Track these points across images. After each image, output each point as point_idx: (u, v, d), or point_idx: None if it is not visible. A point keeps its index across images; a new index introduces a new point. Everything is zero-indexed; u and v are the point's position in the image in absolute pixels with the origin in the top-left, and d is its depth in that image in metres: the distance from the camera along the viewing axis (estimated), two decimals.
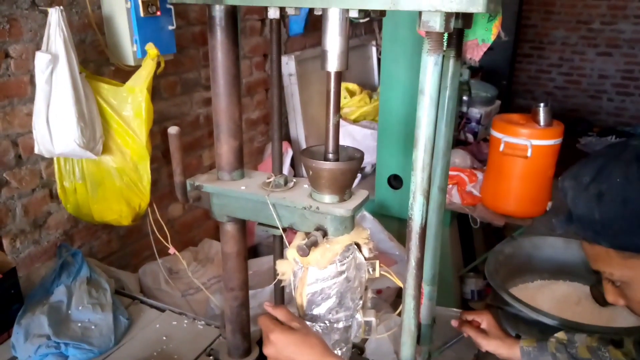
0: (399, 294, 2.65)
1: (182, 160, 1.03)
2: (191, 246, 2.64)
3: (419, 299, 0.90)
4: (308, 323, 1.07)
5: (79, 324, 1.66)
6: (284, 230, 1.07)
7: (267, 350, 0.98)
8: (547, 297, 1.72)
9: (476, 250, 3.44)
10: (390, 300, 2.63)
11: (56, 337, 1.58)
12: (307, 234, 1.01)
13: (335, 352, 1.10)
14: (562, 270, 1.82)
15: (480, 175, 2.89)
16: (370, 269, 1.09)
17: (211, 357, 1.33)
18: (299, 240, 1.02)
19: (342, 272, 1.03)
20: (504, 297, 1.46)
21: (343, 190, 0.99)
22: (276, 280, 1.10)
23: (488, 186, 2.79)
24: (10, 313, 1.66)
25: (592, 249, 0.88)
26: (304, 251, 0.95)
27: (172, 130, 1.00)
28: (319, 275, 1.02)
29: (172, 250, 1.70)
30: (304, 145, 3.17)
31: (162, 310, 1.83)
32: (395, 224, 2.90)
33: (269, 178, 1.07)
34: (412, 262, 0.86)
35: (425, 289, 1.13)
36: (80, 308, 1.70)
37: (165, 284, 2.28)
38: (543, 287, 1.80)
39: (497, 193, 2.71)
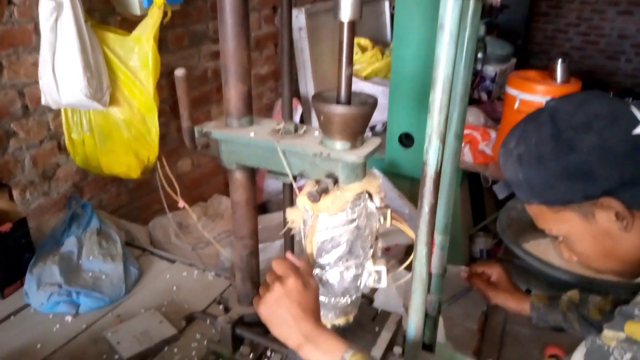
0: (407, 251, 2.65)
1: (189, 105, 1.00)
2: (201, 202, 2.64)
3: (431, 247, 0.89)
4: (317, 271, 1.06)
5: (90, 274, 1.67)
6: (294, 177, 1.04)
7: (268, 295, 0.93)
8: (558, 258, 1.70)
9: (486, 210, 3.42)
10: (399, 257, 2.64)
11: (67, 286, 1.60)
12: (318, 182, 0.98)
13: (345, 299, 1.09)
14: None
15: (493, 134, 2.85)
16: (382, 218, 1.07)
17: (221, 305, 1.34)
18: (310, 187, 1.00)
19: (352, 220, 1.01)
20: (515, 251, 1.45)
21: (355, 136, 0.96)
22: (286, 228, 1.09)
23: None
24: (22, 262, 1.67)
25: (530, 209, 0.94)
26: (315, 198, 0.93)
27: (179, 72, 0.97)
28: (329, 223, 1.01)
29: (181, 204, 1.69)
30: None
31: (172, 262, 1.84)
32: (406, 183, 2.88)
33: (278, 125, 1.05)
34: (425, 208, 0.84)
35: (437, 238, 1.11)
36: (90, 258, 1.71)
37: (175, 238, 2.29)
38: (555, 244, 1.78)
39: None
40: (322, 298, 1.09)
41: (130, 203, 2.32)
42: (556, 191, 0.85)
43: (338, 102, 0.94)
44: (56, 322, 1.53)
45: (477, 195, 3.33)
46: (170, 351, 1.42)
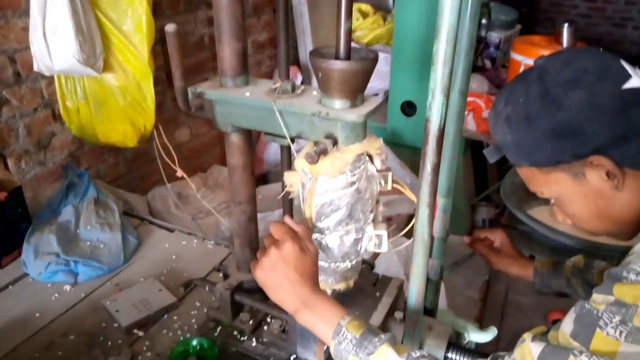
0: (409, 220, 2.63)
1: (181, 63, 0.96)
2: (200, 172, 2.61)
3: (433, 208, 0.85)
4: (317, 235, 1.04)
5: (88, 243, 1.65)
6: (292, 139, 1.01)
7: (264, 259, 0.90)
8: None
9: (489, 180, 3.39)
10: (400, 227, 2.61)
11: (65, 255, 1.58)
12: (316, 143, 0.95)
13: (345, 264, 1.07)
14: None
15: None
16: (382, 181, 1.04)
17: (220, 272, 1.32)
18: (308, 149, 0.96)
19: (352, 183, 0.98)
20: (519, 216, 1.42)
21: (355, 94, 0.92)
22: (284, 192, 1.06)
23: None
24: (19, 232, 1.65)
25: (521, 172, 0.92)
26: (313, 159, 0.90)
27: (170, 27, 0.92)
28: (328, 185, 0.98)
29: (179, 172, 1.66)
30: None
31: (171, 231, 1.82)
32: (408, 152, 2.84)
33: (275, 84, 1.00)
34: (428, 168, 0.81)
35: (440, 200, 1.08)
36: (88, 228, 1.69)
37: (174, 208, 2.27)
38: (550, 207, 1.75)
39: None
40: (321, 263, 1.07)
41: (128, 173, 2.29)
42: (545, 151, 0.83)
43: (337, 57, 0.90)
44: (55, 291, 1.52)
45: (480, 164, 3.30)
46: (170, 319, 1.41)
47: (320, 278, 1.09)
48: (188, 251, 1.71)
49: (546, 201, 1.78)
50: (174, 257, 1.68)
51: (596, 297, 0.72)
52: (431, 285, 1.17)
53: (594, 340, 0.70)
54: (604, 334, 0.69)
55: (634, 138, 0.79)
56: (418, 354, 0.84)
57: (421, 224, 0.86)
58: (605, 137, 0.78)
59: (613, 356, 0.68)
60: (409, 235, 1.15)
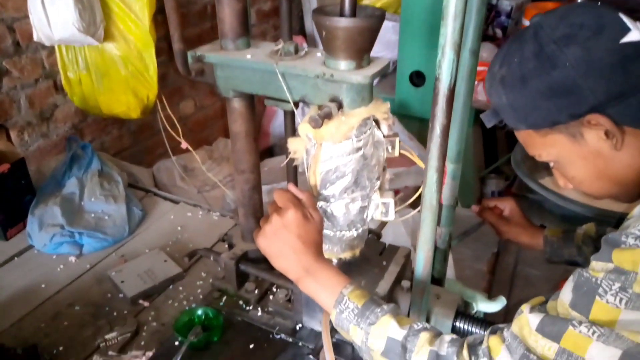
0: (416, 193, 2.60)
1: (180, 24, 0.92)
2: (206, 145, 2.58)
3: (442, 174, 0.82)
4: (322, 203, 1.01)
5: (92, 215, 1.64)
6: (295, 104, 0.97)
7: (267, 227, 0.89)
8: (573, 191, 1.63)
9: (499, 152, 3.34)
10: (407, 199, 2.58)
11: (70, 227, 1.57)
12: (321, 107, 0.91)
13: (350, 233, 1.05)
14: None
15: None
16: (389, 147, 1.00)
17: (226, 243, 1.30)
18: (312, 113, 0.92)
19: (358, 149, 0.95)
20: (530, 185, 1.38)
21: (361, 54, 0.88)
22: (287, 159, 1.03)
23: None
24: (23, 204, 1.64)
25: (519, 136, 0.89)
26: (317, 122, 0.86)
27: None
28: (333, 151, 0.94)
29: (184, 144, 1.64)
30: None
31: (176, 203, 1.81)
32: (416, 124, 2.79)
33: (277, 45, 0.96)
34: (437, 130, 0.77)
35: (449, 166, 1.05)
36: (92, 199, 1.68)
37: (180, 181, 2.25)
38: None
39: None
40: (327, 231, 1.04)
41: (132, 146, 2.27)
42: (541, 112, 0.80)
43: (342, 14, 0.85)
44: (60, 263, 1.52)
45: (489, 136, 3.24)
46: (176, 289, 1.40)
47: (326, 247, 1.06)
48: (193, 223, 1.70)
49: None
50: (179, 228, 1.67)
51: (595, 264, 0.70)
52: (439, 254, 1.14)
53: (593, 309, 0.67)
54: (603, 302, 0.66)
55: (633, 94, 0.74)
56: (420, 325, 0.82)
57: (429, 190, 0.83)
58: (602, 94, 0.74)
59: (613, 325, 0.66)
60: (416, 206, 1.12)
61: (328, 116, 0.88)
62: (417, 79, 2.76)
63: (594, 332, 0.66)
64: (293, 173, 1.12)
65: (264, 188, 2.12)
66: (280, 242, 0.88)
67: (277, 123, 3.02)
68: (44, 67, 1.83)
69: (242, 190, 1.16)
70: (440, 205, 0.96)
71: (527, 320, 0.72)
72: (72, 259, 1.53)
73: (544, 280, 2.77)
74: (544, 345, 0.69)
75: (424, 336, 0.80)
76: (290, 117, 1.07)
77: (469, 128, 2.79)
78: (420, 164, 1.03)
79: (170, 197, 1.83)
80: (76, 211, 1.65)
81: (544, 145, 0.84)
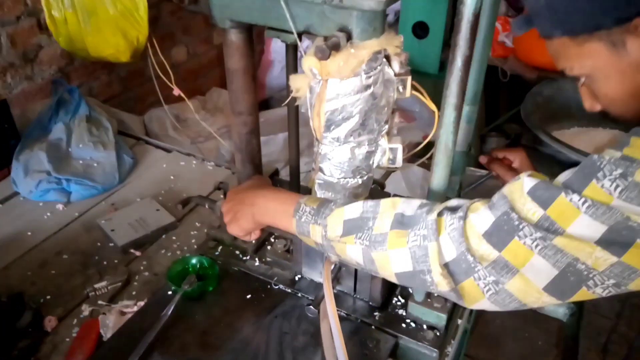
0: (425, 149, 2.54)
1: None
2: (199, 95, 2.48)
3: (461, 111, 0.75)
4: (326, 147, 0.94)
5: (80, 162, 1.57)
6: (299, 35, 0.89)
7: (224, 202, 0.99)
8: (584, 144, 1.56)
9: (500, 109, 3.25)
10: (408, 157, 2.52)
11: (57, 173, 1.50)
12: (327, 39, 0.83)
13: (355, 180, 0.98)
14: (602, 116, 1.66)
15: None
16: (400, 87, 0.92)
17: (221, 191, 1.23)
18: (318, 43, 0.84)
19: (367, 87, 0.87)
20: (541, 137, 1.31)
21: None
22: (289, 98, 0.95)
23: (523, 36, 2.51)
24: (7, 149, 1.56)
25: (551, 46, 0.82)
26: (324, 53, 0.78)
27: None
28: (340, 89, 0.86)
29: (176, 90, 1.55)
30: None
31: (169, 151, 1.73)
32: (418, 79, 2.69)
33: None
34: (459, 62, 0.70)
35: (464, 108, 0.97)
36: (80, 146, 1.60)
37: (172, 131, 2.17)
38: (581, 134, 1.64)
39: (533, 43, 2.45)
40: (329, 178, 0.98)
41: (123, 93, 2.17)
42: (583, 14, 0.72)
43: None
44: (47, 210, 1.45)
45: (491, 92, 3.15)
46: (169, 239, 1.35)
47: (328, 195, 1.00)
48: (187, 172, 1.63)
49: (569, 123, 1.67)
50: (172, 177, 1.60)
51: (607, 150, 0.64)
52: None
53: (586, 190, 0.62)
54: (598, 185, 0.61)
55: None
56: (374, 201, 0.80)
57: (446, 130, 0.76)
58: None
59: None
60: (422, 152, 1.06)
61: (336, 47, 0.80)
62: (420, 30, 2.64)
63: (584, 202, 0.61)
64: (294, 114, 1.04)
65: (262, 139, 2.05)
66: (237, 200, 0.96)
67: (273, 75, 2.91)
68: (26, 4, 1.71)
69: (239, 134, 1.08)
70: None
71: (522, 183, 0.67)
72: (60, 206, 1.47)
73: None
74: (530, 209, 0.64)
75: (386, 203, 0.76)
76: (292, 52, 0.98)
77: (490, 45, 2.71)
78: (433, 106, 0.96)
79: (163, 145, 1.76)
80: (63, 157, 1.57)
81: (579, 55, 0.77)
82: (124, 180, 1.58)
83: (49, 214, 1.44)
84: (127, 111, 2.11)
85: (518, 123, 3.09)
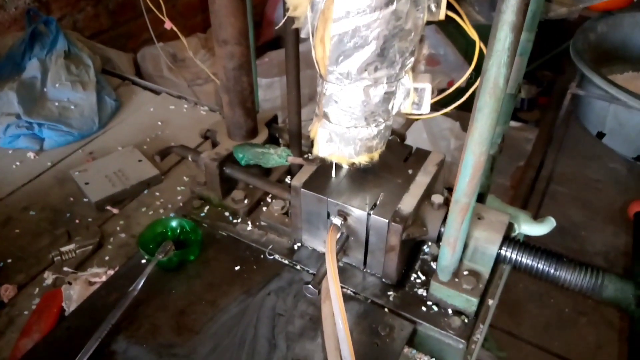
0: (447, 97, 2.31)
1: None
2: (199, 32, 2.24)
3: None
4: (331, 86, 0.72)
5: (56, 104, 1.37)
6: None
7: None
8: None
9: (531, 55, 2.96)
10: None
11: (28, 117, 1.31)
12: None
13: (370, 129, 0.77)
14: None
15: None
16: (433, 5, 0.70)
17: (210, 141, 1.04)
18: None
19: (389, 2, 0.65)
20: (594, 79, 1.08)
21: None
22: (283, 21, 0.73)
23: None
24: None
25: None
26: None
27: None
28: (351, 4, 0.64)
29: (168, 24, 1.35)
30: None
31: (158, 93, 1.52)
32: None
33: None
34: None
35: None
36: (57, 85, 1.40)
37: (168, 71, 1.95)
38: (636, 80, 1.39)
39: None
40: (336, 126, 0.77)
41: (112, 28, 1.94)
42: None
43: None
44: (16, 159, 1.28)
45: None
46: (151, 195, 1.16)
47: (336, 147, 0.80)
48: (177, 117, 1.43)
49: (623, 67, 1.42)
50: (159, 123, 1.40)
51: None
52: (486, 162, 0.87)
53: None
54: None
55: None
56: None
57: (496, 61, 0.55)
58: None
59: None
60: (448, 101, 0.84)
61: None
62: None
63: None
64: (293, 42, 0.82)
65: (264, 82, 1.83)
66: None
67: (282, 11, 2.64)
68: None
69: (225, 70, 0.87)
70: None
71: None
72: (31, 154, 1.29)
73: (571, 198, 2.54)
74: None
75: None
76: None
77: None
78: (473, 33, 0.73)
79: (151, 86, 1.55)
80: (36, 99, 1.38)
81: None
82: (105, 125, 1.39)
83: (17, 163, 1.26)
84: (118, 49, 1.89)
85: (552, 69, 2.81)
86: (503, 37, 0.54)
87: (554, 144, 1.99)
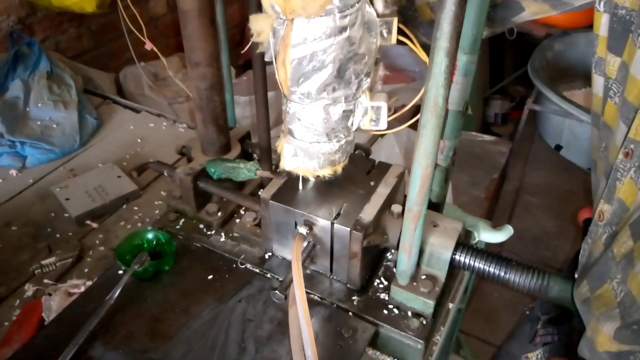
0: (416, 112, 2.38)
1: None
2: (180, 52, 2.30)
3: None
4: (294, 106, 0.79)
5: (39, 122, 1.42)
6: None
7: None
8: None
9: (505, 72, 3.07)
10: (405, 120, 2.37)
11: (10, 135, 1.36)
12: None
13: (331, 144, 0.83)
14: None
15: None
16: (385, 31, 0.77)
17: (185, 157, 1.09)
18: None
19: (342, 29, 0.71)
20: (549, 96, 1.15)
21: None
22: (248, 45, 0.79)
23: None
24: None
25: None
26: None
27: None
28: (308, 31, 0.71)
29: (148, 45, 1.41)
30: None
31: (138, 112, 1.57)
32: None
33: None
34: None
35: (461, 58, 0.81)
36: (39, 105, 1.45)
37: (149, 90, 2.00)
38: (591, 95, 1.48)
39: None
40: (300, 142, 0.83)
41: (95, 48, 1.99)
42: None
43: None
44: None
45: (497, 53, 2.96)
46: (130, 209, 1.21)
47: (301, 161, 0.85)
48: (156, 135, 1.48)
49: (580, 83, 1.51)
50: (139, 140, 1.45)
51: None
52: (439, 173, 0.94)
53: None
54: None
55: None
56: None
57: (435, 83, 0.61)
58: None
59: None
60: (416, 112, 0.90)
61: None
62: None
63: None
64: (260, 68, 0.88)
65: (242, 99, 1.89)
66: None
67: None
68: None
69: (198, 90, 0.93)
70: (445, 111, 0.74)
71: None
72: (13, 172, 1.33)
73: (544, 208, 2.62)
74: None
75: None
76: None
77: None
78: (424, 56, 0.80)
79: (131, 105, 1.60)
80: (19, 118, 1.42)
81: None
82: (86, 143, 1.43)
83: (0, 180, 1.30)
84: (100, 69, 1.94)
85: (524, 85, 2.92)
86: (439, 61, 0.60)
87: (520, 157, 2.06)
